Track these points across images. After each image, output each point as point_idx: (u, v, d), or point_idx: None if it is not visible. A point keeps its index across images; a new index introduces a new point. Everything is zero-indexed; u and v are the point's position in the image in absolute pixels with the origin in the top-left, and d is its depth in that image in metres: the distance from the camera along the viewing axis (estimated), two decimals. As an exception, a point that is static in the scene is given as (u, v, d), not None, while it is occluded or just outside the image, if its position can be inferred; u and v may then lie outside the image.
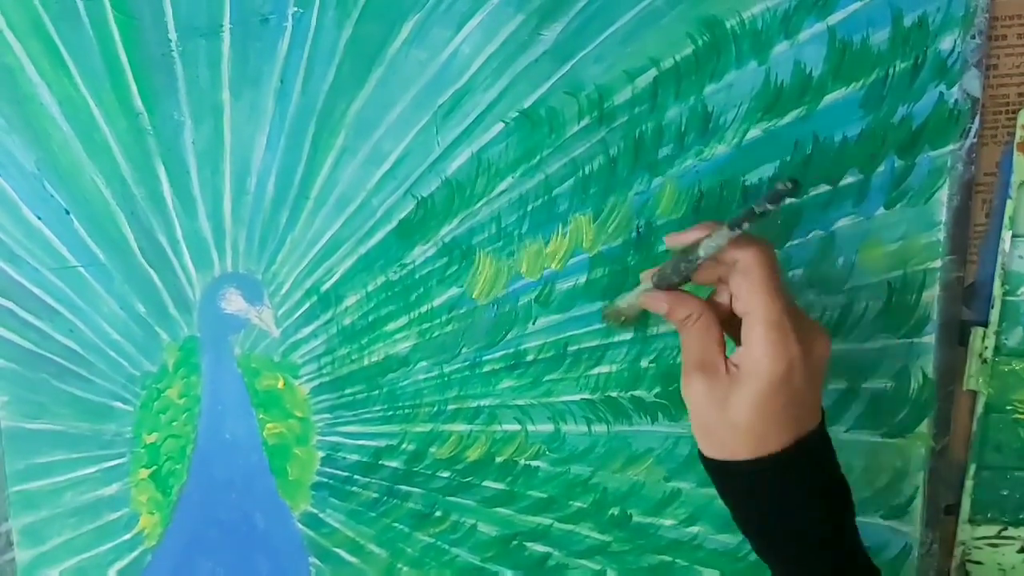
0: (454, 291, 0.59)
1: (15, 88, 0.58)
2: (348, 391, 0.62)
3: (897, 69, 0.53)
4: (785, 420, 0.44)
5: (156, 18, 0.56)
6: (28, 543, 0.67)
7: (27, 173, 0.59)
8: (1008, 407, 0.58)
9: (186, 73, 0.57)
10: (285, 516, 0.65)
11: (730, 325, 0.47)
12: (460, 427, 0.62)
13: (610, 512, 0.62)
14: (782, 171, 0.55)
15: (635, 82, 0.55)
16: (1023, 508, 0.60)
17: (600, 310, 0.58)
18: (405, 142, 0.57)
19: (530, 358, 0.60)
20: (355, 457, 0.64)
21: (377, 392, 0.62)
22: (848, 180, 0.55)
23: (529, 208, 0.58)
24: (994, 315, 0.56)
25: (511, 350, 0.60)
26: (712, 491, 0.60)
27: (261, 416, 0.64)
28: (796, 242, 0.56)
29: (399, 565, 0.65)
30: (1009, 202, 0.55)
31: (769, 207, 0.41)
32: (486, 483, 0.63)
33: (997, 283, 0.56)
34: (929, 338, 0.57)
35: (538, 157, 0.57)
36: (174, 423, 0.64)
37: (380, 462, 0.63)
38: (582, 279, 0.58)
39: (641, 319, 0.58)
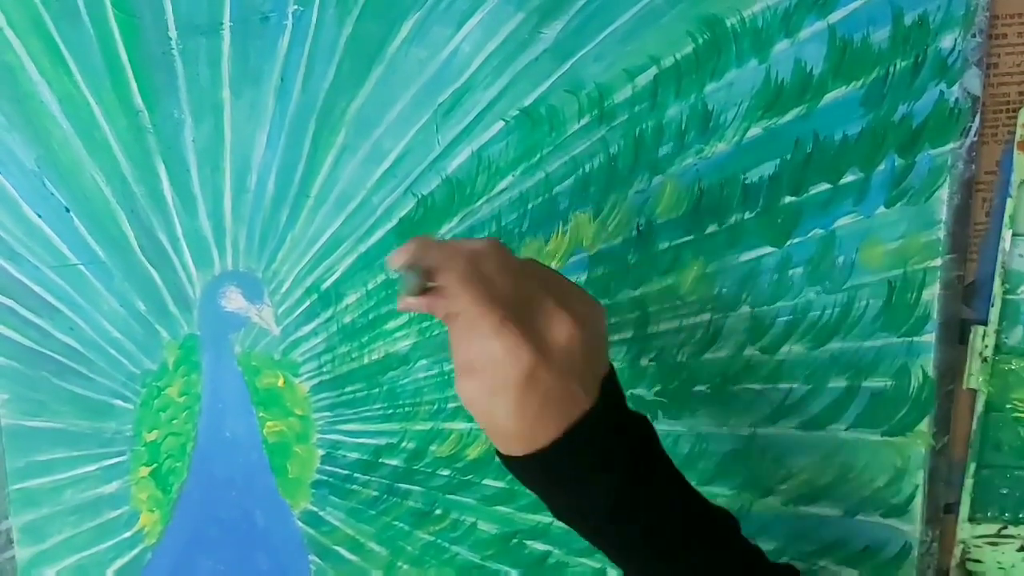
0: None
1: (15, 86, 0.58)
2: (348, 389, 0.62)
3: (898, 67, 0.53)
4: (547, 416, 0.42)
5: (156, 16, 0.56)
6: (28, 541, 0.67)
7: (27, 171, 0.59)
8: (1008, 406, 0.58)
9: (186, 71, 0.57)
10: (285, 514, 0.65)
11: None
12: (460, 425, 0.62)
13: (610, 510, 0.62)
14: (782, 169, 0.55)
15: (635, 80, 0.55)
16: (1023, 507, 0.60)
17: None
18: (405, 140, 0.57)
19: (530, 356, 0.60)
20: (355, 455, 0.64)
21: (377, 390, 0.62)
22: (848, 178, 0.55)
23: (529, 206, 0.58)
24: (994, 314, 0.56)
25: (511, 348, 0.60)
26: (712, 489, 0.61)
27: (261, 414, 0.64)
28: (796, 241, 0.56)
29: (399, 563, 0.65)
30: (1009, 201, 0.55)
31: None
32: (486, 481, 0.63)
33: (997, 282, 0.56)
34: (929, 337, 0.57)
35: (538, 155, 0.57)
36: (174, 421, 0.64)
37: (380, 460, 0.63)
38: (582, 277, 0.58)
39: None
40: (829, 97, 0.54)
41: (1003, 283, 0.56)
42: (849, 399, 0.59)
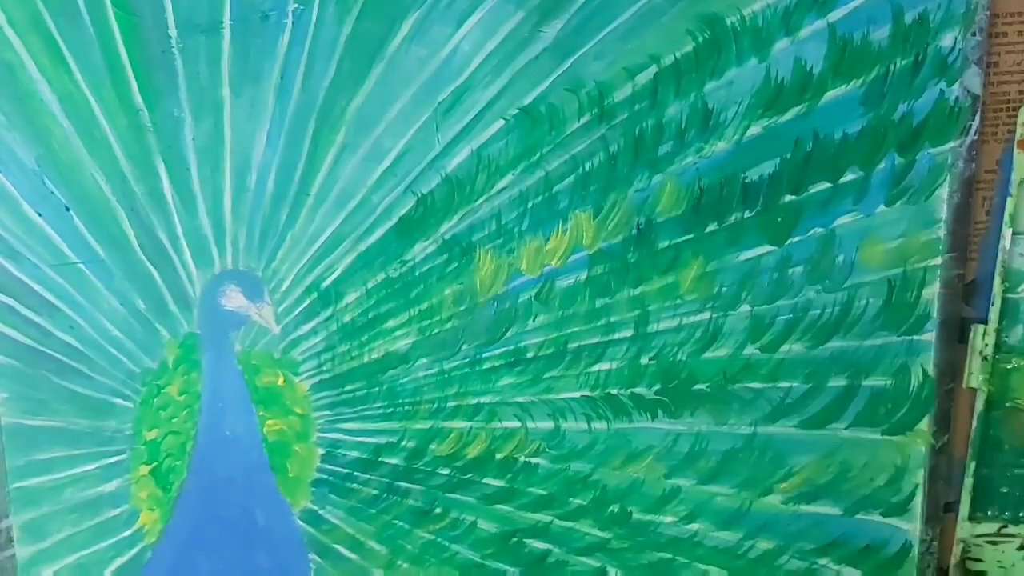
0: (454, 288, 0.59)
1: (15, 85, 0.58)
2: (348, 388, 0.62)
3: (898, 66, 0.53)
4: None
5: (156, 15, 0.56)
6: (28, 539, 0.67)
7: (27, 170, 0.59)
8: (1008, 404, 0.58)
9: (186, 70, 0.57)
10: (285, 513, 0.65)
11: None
12: (460, 424, 0.62)
13: (610, 509, 0.62)
14: (782, 168, 0.55)
15: (635, 79, 0.55)
16: (1023, 506, 0.60)
17: None
18: (405, 139, 0.57)
19: (530, 355, 0.60)
20: (355, 454, 0.64)
21: (377, 389, 0.62)
22: (848, 177, 0.55)
23: (529, 205, 0.58)
24: (994, 312, 0.56)
25: (511, 347, 0.60)
26: (712, 488, 0.61)
27: (261, 413, 0.64)
28: (796, 239, 0.56)
29: (399, 562, 0.65)
30: (1009, 199, 0.55)
31: None
32: (486, 480, 0.63)
33: (997, 280, 0.56)
34: (929, 335, 0.57)
35: (538, 154, 0.57)
36: (174, 420, 0.64)
37: (380, 459, 0.63)
38: (582, 276, 0.58)
39: None
40: (829, 96, 0.54)
41: (1003, 282, 0.56)
42: (849, 398, 0.59)
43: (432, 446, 0.63)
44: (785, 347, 0.58)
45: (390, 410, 0.62)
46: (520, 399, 0.61)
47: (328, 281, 0.60)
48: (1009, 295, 0.56)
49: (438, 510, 0.64)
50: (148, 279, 0.61)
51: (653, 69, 0.54)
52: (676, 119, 0.55)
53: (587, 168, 0.57)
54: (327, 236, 0.59)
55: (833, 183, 0.55)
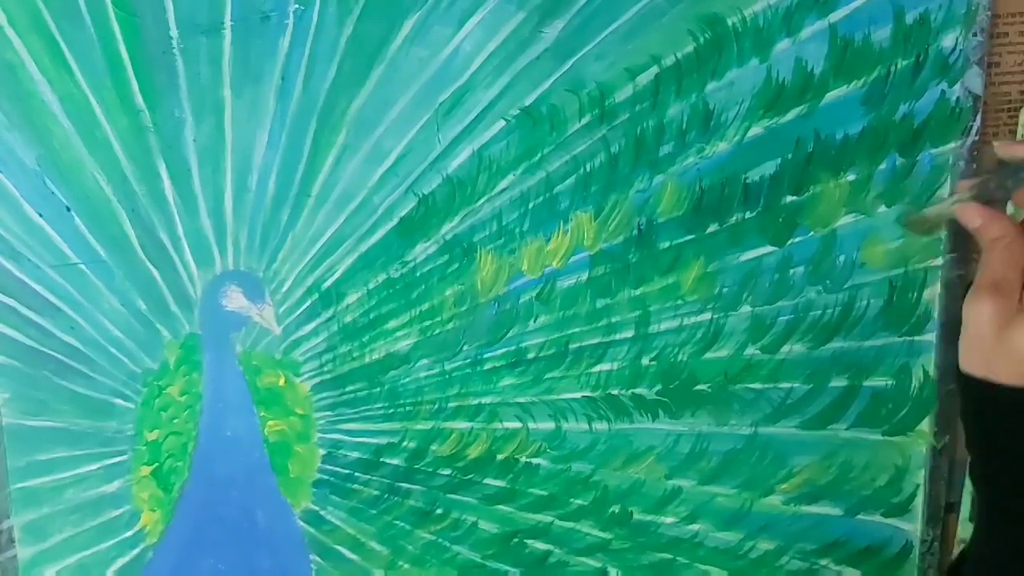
0: (455, 288, 0.59)
1: (16, 85, 0.58)
2: (349, 388, 0.62)
3: (899, 67, 0.53)
4: None
5: (157, 15, 0.55)
6: (30, 540, 0.67)
7: (28, 170, 0.59)
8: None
9: (187, 70, 0.57)
10: (286, 513, 0.65)
11: None
12: (461, 425, 0.62)
13: (611, 510, 0.62)
14: (784, 168, 0.55)
15: (636, 80, 0.55)
16: None
17: (899, 217, 0.55)
18: (406, 140, 0.57)
19: (531, 356, 0.60)
20: (356, 454, 0.64)
21: (378, 390, 0.62)
22: (849, 178, 0.55)
23: (530, 206, 0.58)
24: (995, 313, 0.56)
25: (512, 348, 0.60)
26: (713, 488, 0.61)
27: (262, 413, 0.64)
28: (798, 240, 0.56)
29: (400, 562, 0.65)
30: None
31: None
32: (487, 481, 0.63)
33: (998, 281, 0.56)
34: (930, 336, 0.57)
35: (539, 155, 0.57)
36: (175, 420, 0.64)
37: (381, 459, 0.63)
38: (583, 277, 0.58)
39: (942, 229, 0.55)
40: (830, 96, 0.54)
41: (1004, 282, 0.56)
42: (850, 398, 0.59)
43: (433, 447, 0.63)
44: (786, 348, 0.58)
45: (391, 411, 0.62)
46: (521, 400, 0.61)
47: (329, 282, 0.60)
48: (1010, 296, 0.56)
49: (439, 511, 0.64)
50: (149, 280, 0.61)
51: (654, 70, 0.54)
52: (677, 120, 0.55)
53: (588, 169, 0.57)
54: (328, 237, 0.59)
55: (834, 184, 0.55)
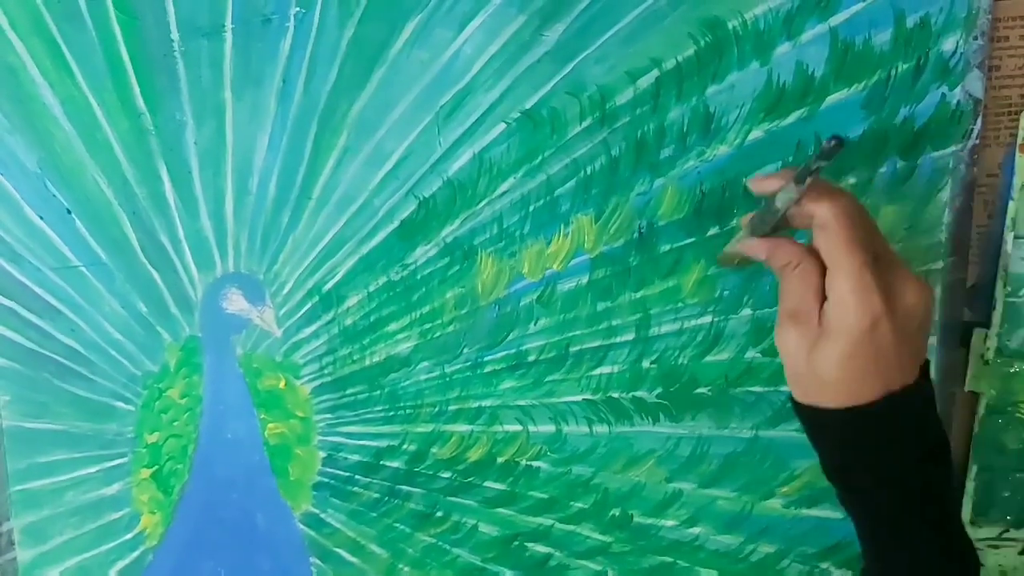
0: (456, 291, 0.59)
1: (17, 88, 0.58)
2: (349, 391, 0.62)
3: (899, 70, 0.53)
4: (872, 374, 0.43)
5: (158, 18, 0.56)
6: (29, 542, 0.67)
7: (29, 173, 0.59)
8: (1010, 408, 0.58)
9: (188, 73, 0.57)
10: (286, 516, 0.65)
11: None
12: (461, 427, 0.62)
13: (611, 513, 0.62)
14: (784, 172, 0.55)
15: (637, 83, 0.55)
16: (1025, 510, 0.60)
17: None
18: (407, 142, 0.57)
19: (532, 359, 0.60)
20: (356, 457, 0.64)
21: (378, 392, 0.62)
22: (850, 181, 0.55)
23: (531, 208, 0.58)
24: (996, 317, 0.56)
25: (513, 351, 0.60)
26: (713, 492, 0.61)
27: (263, 416, 0.64)
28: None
29: (400, 565, 0.65)
30: (1011, 204, 0.55)
31: (822, 163, 0.42)
32: (487, 483, 0.63)
33: (999, 284, 0.56)
34: (931, 339, 0.57)
35: (540, 158, 0.57)
36: (175, 423, 0.64)
37: (381, 462, 0.63)
38: (584, 280, 0.58)
39: (753, 262, 0.54)
40: (831, 99, 0.54)
41: (1005, 286, 0.56)
42: (851, 402, 0.59)
43: (433, 449, 0.63)
44: (787, 351, 0.58)
45: (391, 413, 0.62)
46: (521, 402, 0.61)
47: (330, 284, 0.60)
48: (1011, 299, 0.56)
49: (439, 514, 0.64)
50: (150, 282, 0.61)
51: (655, 73, 0.54)
52: (678, 123, 0.55)
53: (589, 172, 0.57)
54: (329, 239, 0.59)
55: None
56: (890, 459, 0.44)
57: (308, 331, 0.62)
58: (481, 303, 0.60)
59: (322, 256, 0.60)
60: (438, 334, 0.61)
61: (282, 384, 0.63)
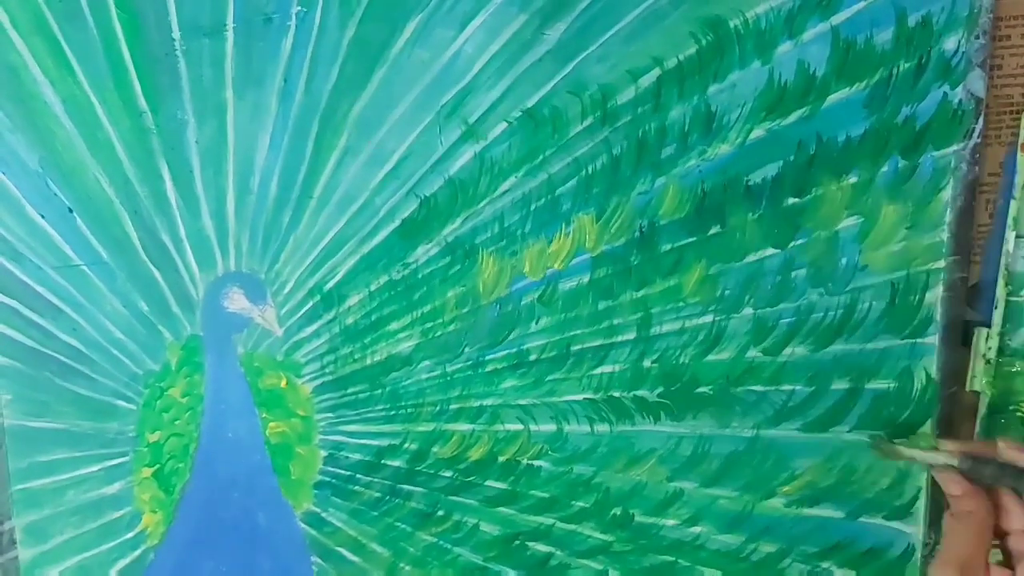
0: (457, 290, 0.59)
1: (19, 87, 0.58)
2: (351, 390, 0.62)
3: (901, 69, 0.53)
4: None
5: (160, 17, 0.56)
6: (31, 541, 0.67)
7: (30, 172, 0.59)
8: (1011, 408, 0.58)
9: (190, 72, 0.57)
10: (287, 515, 0.65)
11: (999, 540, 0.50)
12: (462, 427, 0.62)
13: (612, 512, 0.62)
14: (785, 170, 0.55)
15: (638, 82, 0.55)
16: (1026, 509, 0.60)
17: (873, 437, 0.58)
18: (408, 141, 0.57)
19: (533, 358, 0.60)
20: (357, 456, 0.64)
21: (380, 391, 0.62)
22: (851, 180, 0.55)
23: (532, 208, 0.58)
24: (997, 316, 0.56)
25: (514, 350, 0.60)
26: (715, 491, 0.61)
27: (264, 415, 0.64)
28: (800, 242, 0.56)
29: (401, 564, 0.65)
30: (1013, 203, 0.55)
31: None
32: (488, 483, 0.63)
33: (1001, 284, 0.56)
34: (932, 339, 0.57)
35: (541, 156, 0.57)
36: (177, 422, 0.64)
37: (382, 461, 0.63)
38: (585, 279, 0.58)
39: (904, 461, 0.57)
40: (832, 99, 0.54)
41: (1007, 285, 0.56)
42: (852, 401, 0.59)
43: (434, 449, 0.63)
44: (788, 350, 0.58)
45: (393, 412, 0.62)
46: (523, 402, 0.61)
47: (331, 283, 0.60)
48: (1013, 298, 0.56)
49: (440, 513, 0.64)
50: (151, 281, 0.61)
51: (656, 72, 0.54)
52: (679, 122, 0.55)
53: (590, 171, 0.57)
54: (330, 238, 0.59)
55: (836, 186, 0.55)
56: None
57: (309, 330, 0.62)
58: (482, 302, 0.60)
59: (323, 255, 0.60)
60: (439, 333, 0.61)
61: (283, 383, 0.63)
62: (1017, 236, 0.55)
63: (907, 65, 0.53)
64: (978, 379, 0.57)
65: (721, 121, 0.55)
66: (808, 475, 0.60)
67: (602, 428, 0.61)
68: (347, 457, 0.64)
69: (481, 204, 0.58)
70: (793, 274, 0.57)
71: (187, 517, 0.66)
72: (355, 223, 0.59)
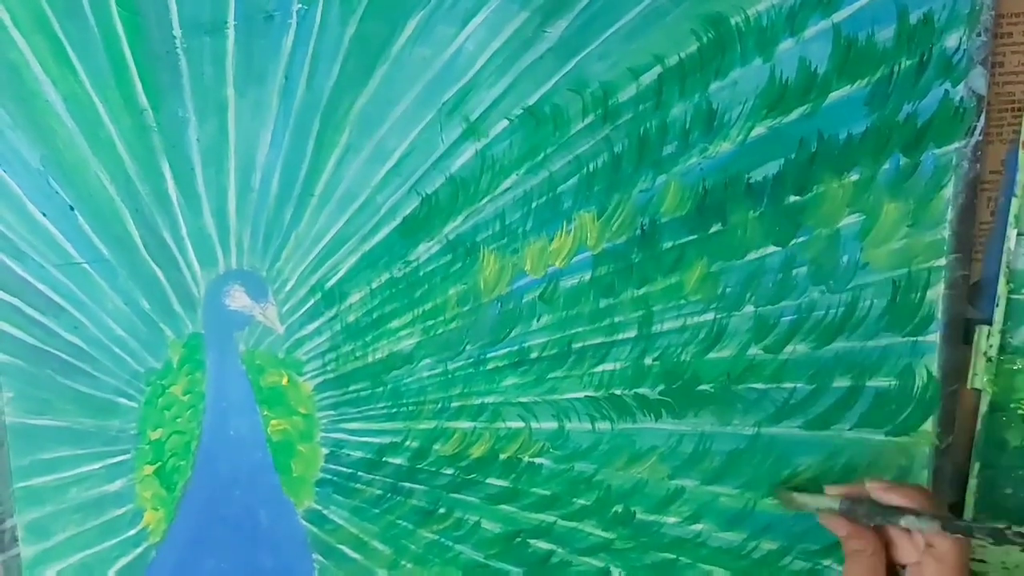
0: (458, 288, 0.59)
1: (20, 85, 0.58)
2: (352, 388, 0.62)
3: (902, 67, 0.53)
4: None
5: (161, 15, 0.56)
6: (33, 539, 0.67)
7: (32, 170, 0.59)
8: (1012, 406, 0.58)
9: (191, 70, 0.57)
10: (289, 513, 0.65)
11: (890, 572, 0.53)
12: (464, 424, 0.62)
13: (614, 509, 0.62)
14: (787, 168, 0.55)
15: (639, 79, 0.55)
16: (1027, 507, 0.60)
17: (774, 484, 0.60)
18: (409, 139, 0.57)
19: (534, 355, 0.60)
20: (359, 454, 0.64)
21: (381, 389, 0.62)
22: (853, 177, 0.55)
23: (533, 205, 0.58)
24: (999, 313, 0.56)
25: (515, 347, 0.60)
26: (715, 488, 0.61)
27: (265, 413, 0.64)
28: (801, 239, 0.56)
29: (403, 562, 0.65)
30: (1014, 200, 0.55)
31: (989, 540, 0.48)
32: (490, 480, 0.63)
33: (1002, 281, 0.56)
34: (934, 336, 0.57)
35: (542, 154, 0.57)
36: (178, 419, 0.64)
37: (384, 459, 0.63)
38: (586, 277, 0.58)
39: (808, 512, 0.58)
40: (834, 96, 0.54)
41: (1008, 283, 0.56)
42: (853, 399, 0.59)
43: (436, 446, 0.63)
44: (789, 348, 0.58)
45: (394, 410, 0.62)
46: (524, 399, 0.61)
47: (332, 281, 0.60)
48: (1014, 296, 0.56)
49: (442, 510, 0.64)
50: (152, 279, 0.61)
51: (657, 69, 0.54)
52: (680, 119, 0.55)
53: (591, 168, 0.57)
54: (331, 236, 0.59)
55: (838, 183, 0.55)
56: None
57: (311, 328, 0.62)
58: (483, 300, 0.60)
59: (325, 253, 0.60)
60: (440, 331, 0.61)
61: (285, 381, 0.63)
62: (1018, 234, 0.55)
63: (908, 63, 0.53)
64: (979, 377, 0.57)
65: (722, 119, 0.55)
66: (809, 472, 0.60)
67: (603, 426, 0.61)
68: (348, 455, 0.64)
69: (482, 202, 0.58)
70: (794, 272, 0.57)
71: (188, 515, 0.66)
72: (356, 221, 0.59)
